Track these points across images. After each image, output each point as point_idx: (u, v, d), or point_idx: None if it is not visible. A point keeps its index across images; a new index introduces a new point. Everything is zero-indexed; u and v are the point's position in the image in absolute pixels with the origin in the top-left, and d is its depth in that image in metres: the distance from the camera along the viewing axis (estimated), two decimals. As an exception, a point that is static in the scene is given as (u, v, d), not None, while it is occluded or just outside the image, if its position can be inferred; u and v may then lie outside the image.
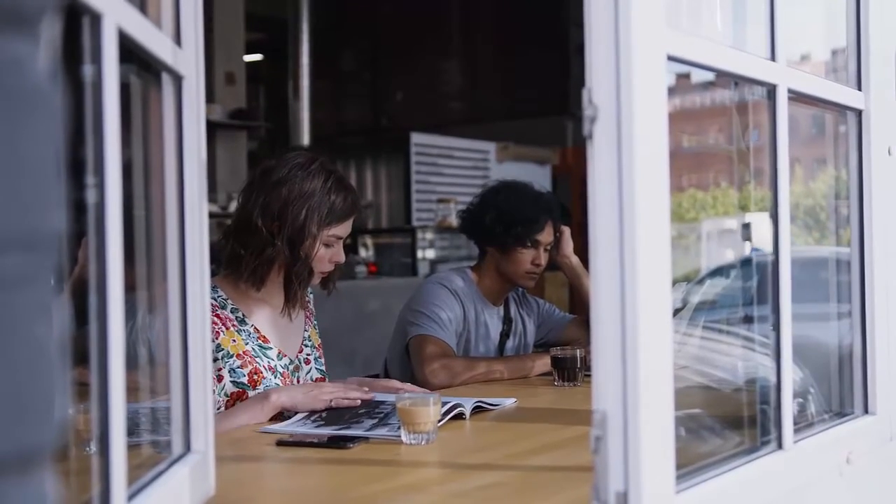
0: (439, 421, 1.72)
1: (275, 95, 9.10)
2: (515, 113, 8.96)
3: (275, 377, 2.06)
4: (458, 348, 2.63)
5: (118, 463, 0.85)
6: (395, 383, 2.18)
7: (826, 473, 1.44)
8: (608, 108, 1.00)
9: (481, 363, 2.53)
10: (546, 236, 2.68)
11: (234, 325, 2.05)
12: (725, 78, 1.36)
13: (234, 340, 2.03)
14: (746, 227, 1.74)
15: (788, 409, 1.31)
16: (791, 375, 1.32)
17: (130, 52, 0.96)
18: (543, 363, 2.50)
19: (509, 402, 2.09)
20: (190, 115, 1.17)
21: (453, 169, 7.80)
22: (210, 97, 6.89)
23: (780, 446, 1.31)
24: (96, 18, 0.83)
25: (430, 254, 6.92)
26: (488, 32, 9.60)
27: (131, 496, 0.93)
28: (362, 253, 6.90)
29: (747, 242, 1.79)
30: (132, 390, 0.99)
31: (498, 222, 2.65)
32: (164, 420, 1.18)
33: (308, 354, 2.19)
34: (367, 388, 2.01)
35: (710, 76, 1.34)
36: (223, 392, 1.99)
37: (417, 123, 8.31)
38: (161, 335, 1.17)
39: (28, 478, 0.56)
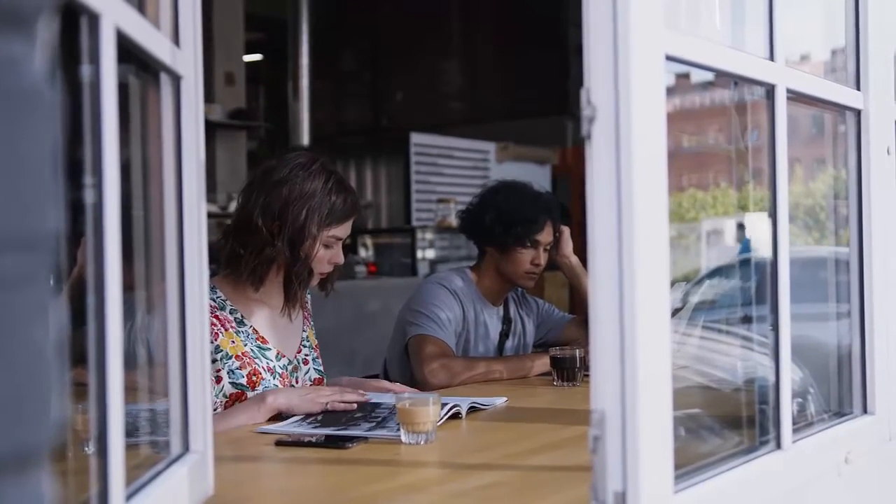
0: (437, 421, 1.72)
1: (274, 95, 9.10)
2: (515, 113, 8.96)
3: (274, 378, 2.06)
4: (458, 348, 2.63)
5: (116, 463, 0.85)
6: (385, 384, 2.20)
7: (825, 473, 1.44)
8: (606, 108, 1.00)
9: (480, 363, 2.53)
10: (545, 236, 2.68)
11: (232, 327, 2.05)
12: (725, 78, 1.36)
13: (232, 342, 2.03)
14: (741, 226, 1.74)
15: (787, 408, 1.31)
16: (790, 375, 1.32)
17: (129, 52, 0.96)
18: (543, 363, 2.50)
19: (500, 402, 2.10)
20: (188, 115, 1.17)
21: (453, 169, 7.80)
22: (210, 97, 6.89)
23: (778, 446, 1.31)
24: (94, 18, 0.83)
25: (430, 254, 6.92)
26: (488, 32, 9.60)
27: (130, 496, 0.93)
28: (362, 253, 6.91)
29: (744, 241, 1.79)
30: (131, 390, 0.99)
31: (497, 222, 2.65)
32: (163, 420, 1.18)
33: (306, 355, 2.19)
34: (362, 392, 2.02)
35: (709, 76, 1.34)
36: (222, 393, 1.99)
37: (417, 123, 8.31)
38: (160, 335, 1.17)
39: (25, 477, 0.56)
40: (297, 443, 1.69)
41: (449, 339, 2.55)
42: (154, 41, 1.04)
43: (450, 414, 1.87)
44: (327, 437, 1.71)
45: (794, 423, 1.34)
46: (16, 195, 0.57)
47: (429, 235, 6.95)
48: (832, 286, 1.70)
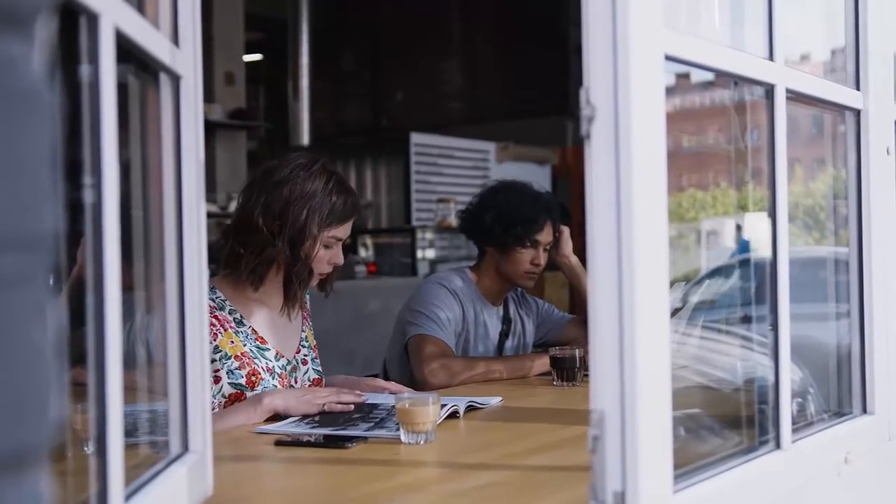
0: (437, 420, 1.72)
1: (275, 95, 9.10)
2: (515, 113, 8.96)
3: (273, 378, 2.06)
4: (457, 348, 2.63)
5: (116, 462, 0.85)
6: (381, 382, 2.20)
7: (824, 473, 1.44)
8: (606, 107, 1.00)
9: (480, 363, 2.53)
10: (545, 236, 2.68)
11: (231, 327, 2.05)
12: (725, 78, 1.36)
13: (231, 342, 2.03)
14: (739, 227, 1.74)
15: (787, 408, 1.31)
16: (789, 375, 1.32)
17: (128, 52, 0.96)
18: (542, 363, 2.50)
19: (495, 401, 2.10)
20: (188, 115, 1.17)
21: (453, 169, 7.80)
22: (210, 97, 6.88)
23: (778, 446, 1.31)
24: (93, 18, 0.83)
25: (430, 254, 6.92)
26: (488, 32, 9.60)
27: (129, 496, 0.93)
28: (362, 253, 6.90)
29: (742, 241, 1.79)
30: (130, 390, 0.99)
31: (497, 222, 2.65)
32: (163, 420, 1.18)
33: (305, 355, 2.19)
34: (358, 392, 2.02)
35: (709, 76, 1.34)
36: (220, 394, 1.99)
37: (417, 123, 8.31)
38: (159, 335, 1.17)
39: (24, 477, 0.56)
40: (297, 442, 1.69)
41: (448, 339, 2.55)
42: (153, 41, 1.04)
43: (447, 413, 1.87)
44: (327, 436, 1.71)
45: (793, 423, 1.34)
46: (14, 195, 0.57)
47: (429, 235, 6.95)
48: (832, 286, 1.70)
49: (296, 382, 2.14)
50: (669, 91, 1.06)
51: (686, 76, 1.27)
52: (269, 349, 2.09)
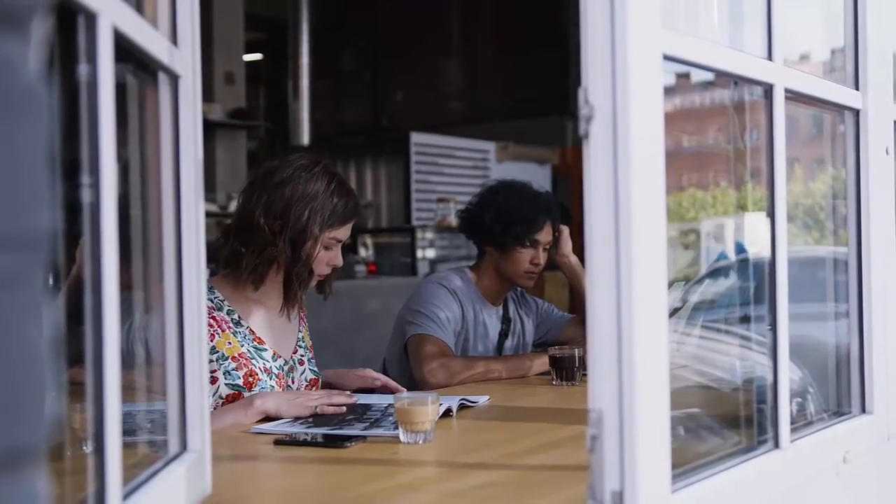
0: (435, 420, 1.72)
1: (275, 95, 9.10)
2: (515, 113, 8.95)
3: (270, 379, 2.06)
4: (457, 348, 2.63)
5: (114, 462, 0.85)
6: (370, 372, 2.20)
7: (823, 473, 1.44)
8: (604, 107, 1.00)
9: (479, 362, 2.53)
10: (545, 236, 2.68)
11: (229, 328, 2.05)
12: (724, 77, 1.36)
13: (229, 343, 2.03)
14: (738, 227, 1.74)
15: (785, 408, 1.31)
16: (788, 375, 1.32)
17: (126, 51, 0.96)
18: (542, 362, 2.50)
19: (483, 399, 2.10)
20: (186, 114, 1.17)
21: (453, 169, 7.80)
22: (209, 97, 6.88)
23: (776, 445, 1.31)
24: (91, 18, 0.83)
25: (430, 253, 6.92)
26: (488, 32, 9.59)
27: (127, 495, 0.93)
28: (362, 252, 6.90)
29: (737, 241, 1.79)
30: (129, 390, 0.99)
31: (497, 222, 2.65)
32: (161, 419, 1.18)
33: (302, 356, 2.19)
34: (349, 393, 2.03)
35: (709, 75, 1.34)
36: (217, 394, 1.99)
37: (417, 123, 8.30)
38: (158, 334, 1.17)
39: (21, 476, 0.56)
40: (296, 442, 1.69)
41: (448, 339, 2.56)
42: (152, 41, 1.04)
43: (441, 413, 1.87)
44: (325, 436, 1.71)
45: (792, 423, 1.34)
46: (11, 195, 0.57)
47: (429, 235, 6.95)
48: (831, 286, 1.70)
49: (293, 383, 2.14)
50: (669, 91, 1.07)
51: (686, 76, 1.27)
52: (266, 349, 2.09)
